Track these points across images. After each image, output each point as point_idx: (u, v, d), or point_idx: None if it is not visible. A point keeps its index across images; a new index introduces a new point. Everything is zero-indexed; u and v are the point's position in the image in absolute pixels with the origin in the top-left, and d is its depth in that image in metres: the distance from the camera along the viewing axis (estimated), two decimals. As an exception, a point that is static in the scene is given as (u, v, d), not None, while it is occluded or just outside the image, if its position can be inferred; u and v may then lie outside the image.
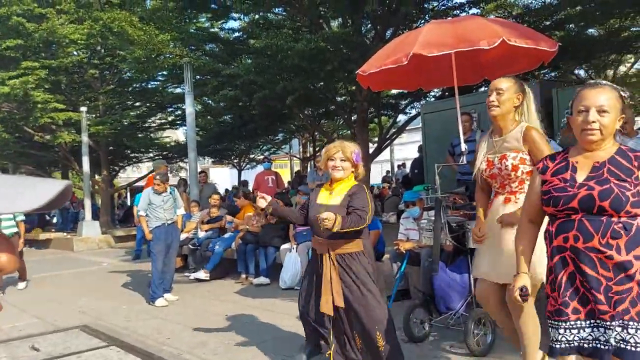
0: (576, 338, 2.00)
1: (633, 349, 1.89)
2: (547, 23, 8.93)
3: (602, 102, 1.99)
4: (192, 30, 10.57)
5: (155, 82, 14.90)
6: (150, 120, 16.96)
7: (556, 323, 2.06)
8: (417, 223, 5.12)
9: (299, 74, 9.24)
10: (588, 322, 1.99)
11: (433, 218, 4.40)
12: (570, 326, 2.01)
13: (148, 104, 15.88)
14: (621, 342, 1.90)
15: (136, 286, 7.31)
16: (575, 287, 2.01)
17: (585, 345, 1.99)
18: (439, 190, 4.64)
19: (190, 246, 8.09)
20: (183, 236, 7.66)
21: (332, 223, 2.97)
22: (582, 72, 12.38)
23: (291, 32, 9.02)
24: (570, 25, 9.38)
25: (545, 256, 2.36)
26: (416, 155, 10.49)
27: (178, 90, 14.44)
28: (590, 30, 10.03)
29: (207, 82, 11.21)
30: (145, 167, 22.07)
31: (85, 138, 13.33)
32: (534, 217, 2.25)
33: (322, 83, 10.54)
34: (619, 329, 1.91)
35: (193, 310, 5.75)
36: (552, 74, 10.93)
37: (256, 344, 4.28)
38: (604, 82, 2.07)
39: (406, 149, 23.83)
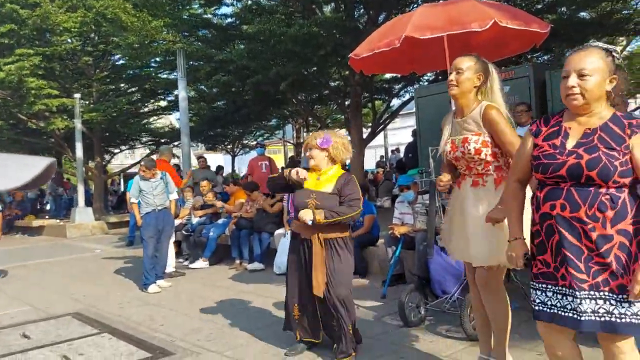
0: (558, 304, 2.01)
1: (616, 320, 1.90)
2: (539, 6, 8.85)
3: (582, 65, 1.95)
4: (185, 17, 10.44)
5: (149, 69, 14.75)
6: (143, 107, 16.83)
7: (544, 286, 2.06)
8: (412, 207, 5.11)
9: (292, 59, 9.15)
10: (570, 290, 1.99)
11: (427, 202, 4.38)
12: (558, 291, 2.02)
13: (141, 90, 15.74)
14: (605, 314, 1.91)
15: (129, 273, 7.28)
16: (562, 256, 2.01)
17: (561, 314, 2.00)
18: (433, 173, 4.62)
19: (184, 232, 8.06)
20: (177, 222, 7.62)
21: (312, 215, 3.24)
22: (575, 55, 12.32)
23: (284, 18, 8.90)
24: (562, 9, 9.31)
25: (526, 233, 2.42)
26: (410, 140, 10.45)
27: (171, 76, 14.30)
28: (581, 13, 9.96)
29: (200, 67, 11.10)
30: (139, 153, 21.91)
31: (78, 124, 13.28)
32: (521, 177, 2.25)
33: (315, 68, 10.45)
34: (600, 302, 1.92)
35: (186, 296, 5.73)
36: (545, 57, 10.87)
37: (250, 329, 4.27)
38: (594, 43, 2.01)
39: (400, 133, 23.78)
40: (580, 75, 1.96)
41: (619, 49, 2.03)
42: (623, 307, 1.89)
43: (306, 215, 3.27)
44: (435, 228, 4.02)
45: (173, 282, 6.44)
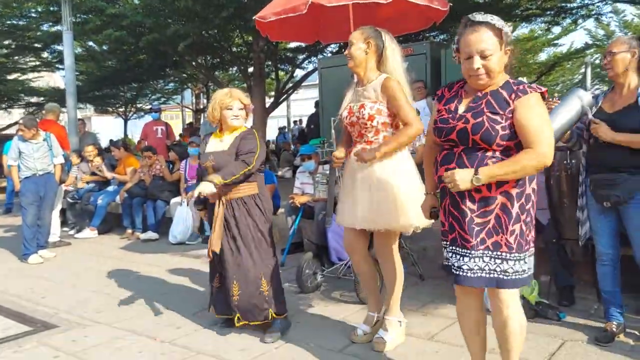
0: (455, 264, 2.14)
1: (487, 275, 2.06)
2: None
3: (484, 46, 2.02)
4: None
5: (28, 19, 13.16)
6: (22, 62, 15.12)
7: (445, 244, 2.22)
8: (313, 177, 5.15)
9: (192, 19, 8.70)
10: (453, 247, 2.15)
11: (328, 172, 4.43)
12: (451, 250, 2.17)
13: (18, 43, 14.03)
14: (479, 270, 2.07)
15: (6, 243, 6.64)
16: (448, 217, 2.16)
17: (455, 272, 2.14)
18: (334, 144, 4.68)
19: (69, 199, 7.45)
20: (62, 188, 7.03)
21: (209, 186, 3.00)
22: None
23: (183, -27, 8.40)
24: (459, -11, 9.73)
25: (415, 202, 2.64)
26: (313, 110, 10.50)
27: (52, 28, 12.92)
28: (477, -5, 10.49)
29: (89, 20, 10.14)
30: (17, 113, 19.80)
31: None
32: (430, 141, 2.36)
33: (216, 30, 10.03)
34: (477, 260, 2.07)
35: (72, 267, 5.35)
36: (441, 37, 11.38)
37: (143, 301, 4.10)
38: (481, 18, 2.05)
39: (303, 104, 23.86)
40: (483, 57, 2.03)
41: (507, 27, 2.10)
42: (494, 264, 2.06)
43: (205, 187, 3.01)
44: (334, 197, 4.09)
45: (58, 252, 5.98)
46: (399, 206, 2.84)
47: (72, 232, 7.28)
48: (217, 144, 3.34)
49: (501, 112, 2.03)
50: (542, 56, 19.22)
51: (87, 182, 7.59)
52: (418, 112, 5.75)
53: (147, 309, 3.91)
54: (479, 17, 2.05)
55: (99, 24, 9.38)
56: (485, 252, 2.06)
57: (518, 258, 2.06)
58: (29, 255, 5.62)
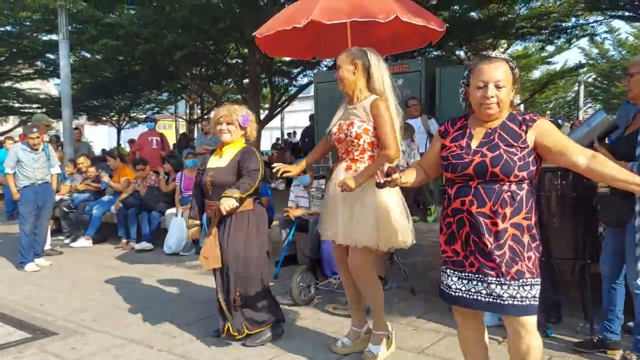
0: (463, 288, 2.21)
1: (519, 303, 2.11)
2: (434, 2, 9.35)
3: (498, 77, 2.13)
4: (69, -29, 9.49)
5: (24, 26, 13.13)
6: (15, 70, 15.07)
7: (451, 272, 2.26)
8: (307, 191, 5.23)
9: (188, 29, 8.78)
10: (477, 276, 2.18)
11: (323, 186, 4.51)
12: (464, 277, 2.22)
13: (13, 50, 13.98)
14: (510, 298, 2.12)
15: (3, 251, 6.64)
16: (470, 246, 2.20)
17: (467, 297, 2.21)
18: (330, 158, 4.76)
19: (65, 208, 7.47)
20: (57, 197, 7.06)
21: (231, 201, 3.10)
22: (462, 53, 13.23)
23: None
24: (455, 7, 9.92)
25: (401, 224, 2.79)
26: (307, 124, 10.58)
27: (49, 37, 12.93)
28: (472, 13, 10.68)
29: (85, 30, 10.19)
30: (11, 120, 19.67)
31: None
32: (425, 167, 2.42)
33: (212, 42, 10.12)
34: (505, 287, 2.13)
35: (69, 276, 5.38)
36: (436, 53, 11.53)
37: (139, 309, 4.14)
38: (496, 54, 2.19)
39: (296, 116, 23.97)
40: (497, 87, 2.13)
41: (503, 52, 2.21)
42: (524, 291, 2.12)
43: (229, 203, 3.09)
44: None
45: (53, 261, 6.00)
46: (373, 224, 2.89)
47: (67, 240, 7.29)
48: (217, 161, 3.43)
49: (516, 144, 2.12)
50: (536, 74, 19.51)
51: (82, 192, 7.61)
52: (413, 130, 5.92)
53: (143, 318, 3.95)
54: (494, 54, 2.19)
55: (95, 34, 9.43)
56: (512, 282, 2.11)
57: (538, 283, 2.14)
58: (26, 264, 5.63)
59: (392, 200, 2.95)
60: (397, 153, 2.88)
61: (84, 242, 7.01)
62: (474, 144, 2.20)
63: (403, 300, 4.28)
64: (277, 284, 4.81)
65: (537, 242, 2.18)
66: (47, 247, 6.40)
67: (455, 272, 2.24)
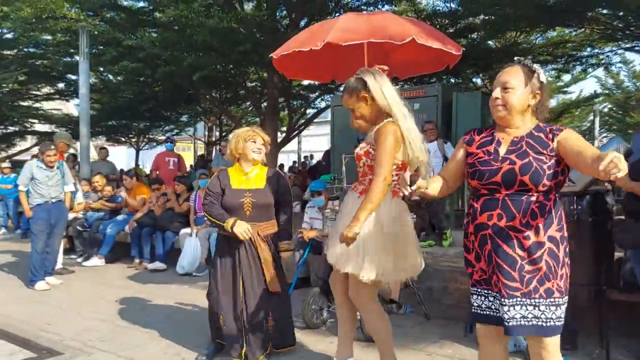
0: (492, 306, 2.14)
1: (544, 324, 2.03)
2: (451, 30, 9.41)
3: (506, 79, 2.10)
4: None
5: (46, 48, 13.45)
6: (35, 89, 15.36)
7: (486, 292, 2.17)
8: (322, 212, 5.17)
9: (209, 53, 8.91)
10: (500, 299, 2.09)
11: (337, 208, 4.45)
12: (493, 295, 2.14)
13: (33, 71, 14.27)
14: (534, 319, 2.03)
15: (13, 268, 6.66)
16: (493, 265, 2.11)
17: (494, 315, 2.13)
18: (344, 180, 4.71)
19: (79, 227, 7.50)
20: (71, 216, 7.10)
21: (290, 252, 3.48)
22: (479, 81, 13.24)
23: (202, 9, 8.66)
24: (473, 35, 9.97)
25: (393, 258, 2.66)
26: (324, 147, 10.56)
27: (69, 58, 13.21)
28: (489, 42, 10.74)
29: (106, 52, 10.38)
30: (29, 139, 20.02)
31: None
32: (446, 177, 2.32)
33: (232, 65, 10.25)
34: (530, 308, 2.04)
35: (79, 295, 5.34)
36: (453, 80, 11.55)
37: (148, 330, 4.07)
38: (521, 60, 2.19)
39: (313, 140, 24.07)
40: (504, 88, 2.10)
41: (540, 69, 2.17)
42: (550, 311, 2.03)
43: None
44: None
45: (64, 280, 5.98)
46: (361, 252, 2.70)
47: (79, 259, 7.29)
48: (247, 181, 3.41)
49: (545, 152, 2.06)
50: (552, 102, 19.46)
51: (97, 210, 7.64)
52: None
53: (152, 339, 3.88)
54: (518, 61, 2.19)
55: (115, 55, 9.62)
56: (540, 300, 2.03)
57: (565, 302, 2.06)
58: (35, 282, 5.61)
59: (397, 227, 2.73)
60: (387, 181, 2.62)
61: (96, 261, 7.00)
62: (502, 151, 2.13)
63: (417, 325, 4.16)
64: (288, 307, 4.72)
65: (568, 258, 2.09)
66: (59, 265, 6.38)
67: (483, 290, 2.18)
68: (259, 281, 3.32)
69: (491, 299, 2.16)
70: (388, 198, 2.73)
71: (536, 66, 2.13)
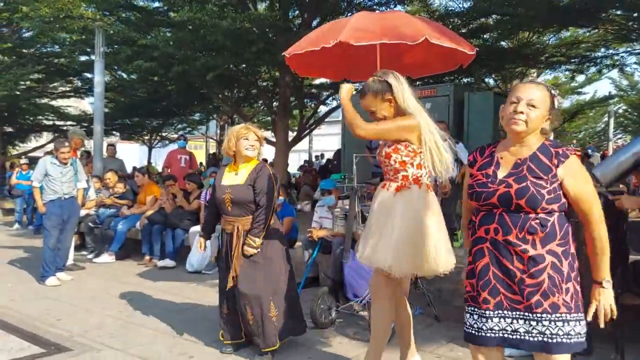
0: (483, 327, 2.08)
1: (549, 340, 1.98)
2: (464, 31, 9.34)
3: (532, 96, 2.05)
4: (108, -7, 9.81)
5: (63, 47, 13.64)
6: (51, 87, 15.56)
7: (472, 309, 2.14)
8: (331, 211, 5.15)
9: (222, 52, 8.94)
10: (496, 312, 2.07)
11: (347, 207, 4.43)
12: (481, 314, 2.10)
13: (50, 69, 14.46)
14: (539, 334, 1.99)
15: (24, 264, 6.72)
16: (487, 278, 2.09)
17: (490, 335, 2.07)
18: (355, 179, 4.69)
19: (90, 224, 7.55)
20: (83, 212, 7.15)
21: (254, 249, 3.36)
22: (491, 81, 13.14)
23: (216, 9, 8.69)
24: (485, 35, 9.89)
25: (406, 254, 2.64)
26: (335, 147, 10.56)
27: (85, 57, 13.36)
28: (502, 42, 10.66)
29: (121, 51, 10.48)
30: (45, 136, 20.30)
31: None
32: (467, 207, 2.31)
33: (245, 65, 10.28)
34: (534, 323, 2.00)
35: (89, 291, 5.38)
36: (466, 80, 11.48)
37: (157, 327, 4.08)
38: (539, 80, 2.15)
39: (324, 140, 24.05)
40: (530, 105, 2.05)
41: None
42: (555, 327, 1.98)
43: (252, 250, 3.37)
44: (353, 233, 4.08)
45: (74, 276, 6.03)
46: (394, 246, 2.71)
47: (90, 256, 7.33)
48: (233, 177, 3.49)
49: (545, 177, 2.03)
50: (566, 103, 19.30)
51: (109, 207, 7.69)
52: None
53: (161, 336, 3.89)
54: (536, 80, 2.13)
55: (130, 54, 9.70)
56: (544, 315, 1.99)
57: (578, 319, 2.01)
58: (47, 278, 5.65)
59: (428, 220, 2.72)
60: (355, 119, 2.72)
61: (107, 257, 7.04)
62: (500, 174, 2.12)
63: (427, 327, 4.12)
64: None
65: (576, 273, 2.04)
66: (70, 262, 6.43)
67: (475, 310, 2.12)
68: (251, 274, 3.38)
69: (475, 317, 2.12)
70: (415, 189, 2.78)
71: (554, 90, 2.12)
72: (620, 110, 21.50)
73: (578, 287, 2.05)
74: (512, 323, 2.03)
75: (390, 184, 2.85)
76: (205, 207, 6.72)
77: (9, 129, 16.67)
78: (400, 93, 2.81)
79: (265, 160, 3.92)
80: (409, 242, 2.70)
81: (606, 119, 20.88)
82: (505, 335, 2.06)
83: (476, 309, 2.12)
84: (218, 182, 3.55)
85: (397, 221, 2.73)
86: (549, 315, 1.98)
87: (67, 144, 5.91)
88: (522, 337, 2.02)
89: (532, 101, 2.05)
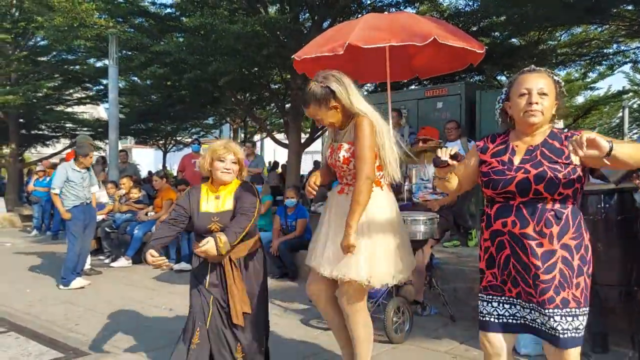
0: (506, 313, 2.11)
1: (561, 335, 1.99)
2: (474, 29, 9.29)
3: (541, 85, 2.04)
4: (121, 1, 9.95)
5: (77, 55, 13.85)
6: (67, 94, 15.82)
7: (490, 297, 2.16)
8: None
9: (233, 56, 9.00)
10: (518, 301, 2.10)
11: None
12: (505, 301, 2.13)
13: (66, 76, 14.71)
14: (551, 330, 2.00)
15: (43, 269, 6.83)
16: (509, 270, 2.10)
17: (512, 321, 2.12)
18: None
19: (107, 229, 7.66)
20: (99, 217, 7.25)
21: (215, 249, 2.68)
22: (503, 78, 13.05)
23: (227, 14, 8.75)
24: (496, 33, 9.82)
25: (388, 259, 2.58)
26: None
27: (100, 64, 13.55)
28: (513, 40, 10.57)
29: (134, 57, 10.62)
30: (61, 143, 20.62)
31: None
32: (460, 178, 2.27)
33: (256, 68, 10.33)
34: (545, 318, 2.01)
35: (106, 295, 5.45)
36: (477, 78, 11.41)
37: (174, 331, 4.11)
38: (539, 68, 2.11)
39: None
40: (542, 94, 2.04)
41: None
42: (566, 322, 1.99)
43: (210, 248, 2.67)
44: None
45: (92, 280, 6.11)
46: (365, 255, 2.59)
47: (107, 260, 7.43)
48: (216, 203, 2.94)
49: (560, 161, 2.02)
50: (579, 99, 19.05)
51: (125, 212, 7.79)
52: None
53: (178, 340, 3.91)
54: (536, 67, 2.11)
55: (144, 61, 9.81)
56: (555, 310, 1.99)
57: (585, 313, 2.02)
58: (69, 282, 5.73)
59: (392, 226, 2.66)
60: (369, 179, 2.54)
61: (123, 262, 7.13)
62: (516, 160, 2.10)
63: (442, 326, 4.12)
64: (312, 308, 4.71)
65: (588, 266, 2.04)
66: (87, 266, 6.52)
67: (495, 297, 2.15)
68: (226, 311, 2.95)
69: (495, 304, 2.14)
70: (378, 191, 2.66)
71: (556, 76, 2.10)
72: (635, 105, 21.18)
73: (589, 280, 2.04)
74: (530, 312, 2.07)
75: (349, 188, 2.69)
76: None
77: (25, 133, 16.93)
78: (346, 97, 2.62)
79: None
80: (385, 250, 2.62)
81: (621, 114, 20.60)
82: (526, 323, 2.09)
83: (497, 297, 2.14)
84: (195, 206, 2.94)
85: (365, 229, 2.61)
86: (559, 311, 1.99)
87: (89, 151, 6.00)
88: (540, 328, 2.05)
89: (542, 90, 2.04)
